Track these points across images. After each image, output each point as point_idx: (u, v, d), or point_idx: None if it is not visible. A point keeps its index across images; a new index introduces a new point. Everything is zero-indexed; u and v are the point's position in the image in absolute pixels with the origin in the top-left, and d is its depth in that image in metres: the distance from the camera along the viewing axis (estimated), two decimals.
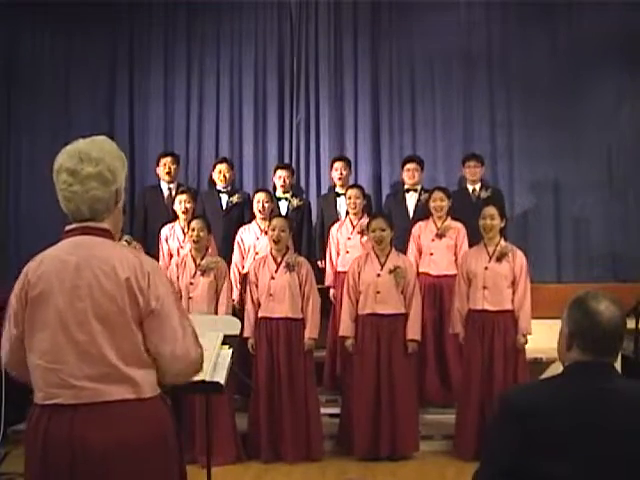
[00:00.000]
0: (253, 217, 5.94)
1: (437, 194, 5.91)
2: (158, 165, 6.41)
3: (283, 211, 6.23)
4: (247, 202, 6.21)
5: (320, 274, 5.99)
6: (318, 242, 6.30)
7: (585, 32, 7.09)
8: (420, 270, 5.70)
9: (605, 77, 6.96)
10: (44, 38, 7.45)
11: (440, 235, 5.84)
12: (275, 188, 6.39)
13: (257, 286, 5.19)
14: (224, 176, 6.32)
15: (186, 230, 5.56)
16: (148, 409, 2.08)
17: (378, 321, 5.09)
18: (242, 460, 5.05)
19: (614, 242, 6.99)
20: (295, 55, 7.37)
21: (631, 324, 4.97)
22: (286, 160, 7.18)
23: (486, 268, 5.05)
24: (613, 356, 1.99)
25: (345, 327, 5.15)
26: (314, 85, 7.35)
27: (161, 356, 2.09)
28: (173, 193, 6.28)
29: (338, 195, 6.36)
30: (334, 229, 6.04)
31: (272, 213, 5.84)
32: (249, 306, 5.20)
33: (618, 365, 2.19)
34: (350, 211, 6.01)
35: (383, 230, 5.15)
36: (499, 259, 5.07)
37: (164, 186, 6.40)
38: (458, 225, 5.88)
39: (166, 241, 5.85)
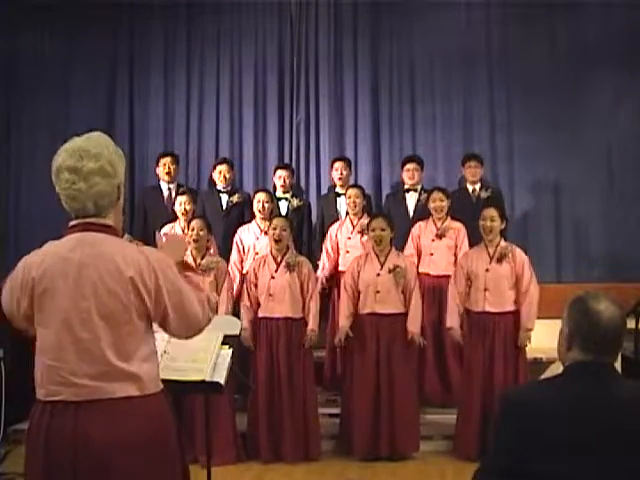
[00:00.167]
0: (253, 217, 5.94)
1: (436, 194, 5.90)
2: (158, 165, 6.41)
3: (283, 211, 6.23)
4: (247, 202, 6.21)
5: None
6: (319, 242, 6.29)
7: (585, 32, 7.09)
8: (420, 270, 5.69)
9: (605, 77, 6.96)
10: (44, 38, 7.45)
11: (440, 235, 5.84)
12: (275, 188, 6.39)
13: (256, 286, 5.18)
14: (224, 177, 6.32)
15: (186, 230, 5.56)
16: (151, 405, 2.09)
17: (378, 321, 5.09)
18: (242, 460, 5.05)
19: (614, 242, 6.99)
20: (295, 55, 7.37)
21: (631, 324, 4.98)
22: (286, 160, 7.18)
23: (487, 270, 5.05)
24: (613, 356, 1.99)
25: (342, 318, 5.13)
26: (314, 85, 7.35)
27: (183, 334, 2.23)
28: (173, 193, 6.29)
29: (338, 195, 6.36)
30: (333, 229, 6.04)
31: (272, 213, 5.85)
32: (246, 303, 5.19)
33: (618, 365, 2.20)
34: (350, 211, 6.01)
35: (383, 230, 5.15)
36: (499, 260, 5.07)
37: (164, 186, 6.40)
38: (458, 225, 5.88)
39: (160, 237, 5.83)
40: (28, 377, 2.25)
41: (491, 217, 5.09)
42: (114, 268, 2.05)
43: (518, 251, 5.14)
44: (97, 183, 2.09)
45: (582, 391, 1.93)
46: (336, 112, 7.31)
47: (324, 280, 5.90)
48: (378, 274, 5.13)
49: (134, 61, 7.47)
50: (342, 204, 6.25)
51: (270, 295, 5.12)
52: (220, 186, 6.37)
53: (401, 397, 5.04)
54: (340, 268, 5.89)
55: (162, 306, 2.10)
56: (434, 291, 5.78)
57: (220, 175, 6.32)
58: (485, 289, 5.03)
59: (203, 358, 3.30)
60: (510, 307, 5.05)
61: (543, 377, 2.20)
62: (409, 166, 6.32)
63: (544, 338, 4.92)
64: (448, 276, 5.67)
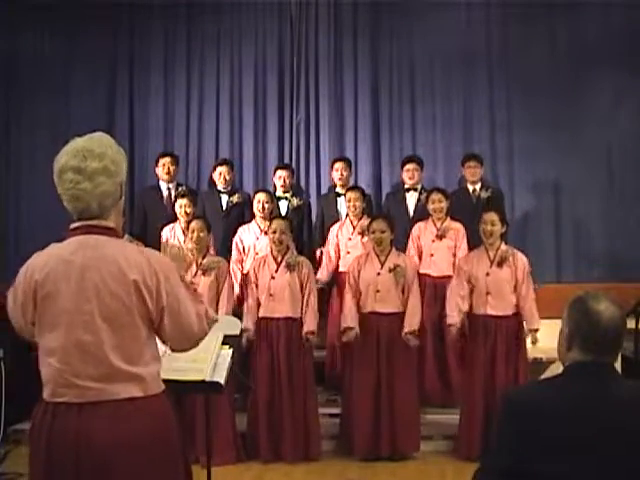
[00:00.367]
0: (253, 217, 5.94)
1: (435, 195, 5.89)
2: (157, 165, 6.41)
3: (283, 211, 6.23)
4: (247, 202, 6.21)
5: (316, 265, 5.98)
6: (318, 242, 6.29)
7: (585, 32, 7.09)
8: (421, 271, 5.67)
9: (605, 77, 6.96)
10: (44, 38, 7.45)
11: (440, 236, 5.84)
12: (275, 188, 6.39)
13: (257, 286, 5.19)
14: (224, 178, 6.31)
15: (186, 232, 5.56)
16: (154, 405, 2.09)
17: (378, 320, 5.09)
18: (242, 460, 5.05)
19: (614, 242, 6.99)
20: (295, 55, 7.37)
21: (631, 324, 4.99)
22: (286, 160, 7.18)
23: (488, 274, 5.04)
24: (613, 356, 1.99)
25: (350, 319, 5.09)
26: (314, 85, 7.35)
27: (177, 345, 2.22)
28: (172, 193, 6.29)
29: (339, 195, 6.35)
30: (334, 229, 6.04)
31: (272, 213, 5.84)
32: (250, 302, 5.17)
33: (618, 365, 2.20)
34: (350, 213, 6.00)
35: (383, 232, 5.15)
36: (500, 264, 5.06)
37: (163, 186, 6.39)
38: (457, 225, 5.87)
39: (166, 242, 5.84)
40: (28, 377, 2.26)
41: (492, 221, 5.08)
42: (117, 270, 2.05)
43: (519, 255, 5.13)
44: (102, 183, 2.09)
45: (582, 391, 1.93)
46: (336, 112, 7.31)
47: (323, 281, 5.90)
48: (378, 273, 5.13)
49: (134, 61, 7.47)
50: (342, 204, 6.25)
51: (270, 295, 5.12)
52: (220, 187, 6.36)
53: (401, 396, 5.04)
54: (340, 269, 5.89)
55: (160, 306, 2.10)
56: (435, 291, 5.77)
57: (220, 176, 6.32)
58: (487, 293, 5.02)
59: (203, 358, 3.30)
60: (512, 310, 5.04)
61: (543, 377, 2.20)
62: (409, 166, 6.32)
63: (544, 338, 4.93)
64: (449, 277, 5.68)
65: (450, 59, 7.22)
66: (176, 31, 7.46)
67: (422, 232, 5.93)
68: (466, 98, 7.23)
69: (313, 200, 6.88)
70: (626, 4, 6.94)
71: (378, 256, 5.19)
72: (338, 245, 5.99)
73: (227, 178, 6.32)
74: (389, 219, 5.31)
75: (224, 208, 6.31)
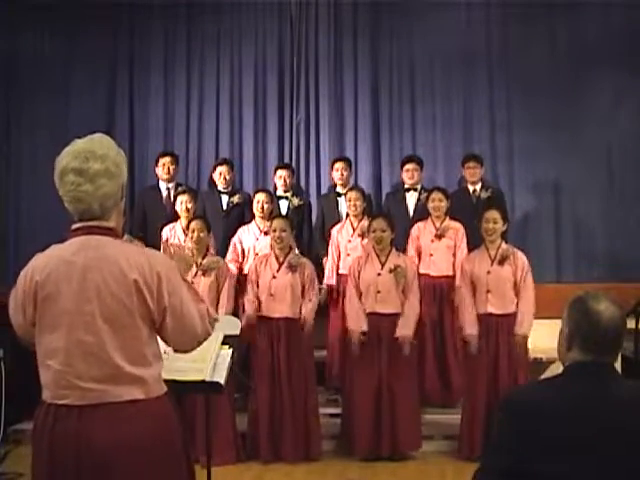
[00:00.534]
0: (253, 217, 5.94)
1: (435, 194, 5.90)
2: (157, 165, 6.41)
3: (284, 210, 6.22)
4: (247, 202, 6.20)
5: (323, 273, 5.98)
6: (319, 242, 6.28)
7: (585, 32, 7.09)
8: (420, 271, 5.67)
9: (605, 77, 6.96)
10: (44, 38, 7.45)
11: (439, 236, 5.84)
12: (275, 188, 6.39)
13: (258, 284, 5.19)
14: (224, 178, 6.31)
15: (186, 230, 5.56)
16: (156, 407, 2.09)
17: (378, 320, 5.09)
18: (242, 460, 5.04)
19: (614, 242, 6.99)
20: (295, 55, 7.38)
21: (631, 324, 4.99)
22: (286, 160, 7.18)
23: (489, 272, 5.04)
24: (613, 356, 1.99)
25: (357, 320, 5.08)
26: (314, 85, 7.35)
27: (179, 345, 2.21)
28: (172, 193, 6.29)
29: (339, 195, 6.35)
30: (334, 231, 6.04)
31: (272, 213, 5.84)
32: (250, 296, 5.16)
33: (618, 365, 2.20)
34: (350, 213, 6.00)
35: (383, 231, 5.14)
36: (501, 262, 5.06)
37: (163, 186, 6.39)
38: (457, 225, 5.87)
39: (167, 241, 5.84)
40: (28, 377, 2.25)
41: (493, 219, 5.08)
42: (118, 271, 2.05)
43: (519, 254, 5.12)
44: (104, 184, 2.08)
45: (582, 391, 1.93)
46: (336, 112, 7.31)
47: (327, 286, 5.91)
48: (379, 274, 5.12)
49: (134, 61, 7.47)
50: (343, 204, 6.24)
51: (271, 295, 5.11)
52: (220, 187, 6.36)
53: (402, 397, 5.03)
54: (341, 271, 5.88)
55: (162, 307, 2.09)
56: (434, 291, 5.78)
57: (220, 176, 6.31)
58: (488, 291, 5.02)
59: (203, 358, 3.30)
60: (513, 308, 5.03)
61: (543, 377, 2.20)
62: (408, 166, 6.32)
63: (544, 338, 4.93)
64: (448, 276, 5.68)
65: (450, 59, 7.22)
66: (176, 31, 7.46)
67: (421, 232, 5.92)
68: (466, 98, 7.23)
69: (313, 200, 6.87)
70: (626, 4, 6.95)
71: (378, 256, 5.19)
72: (338, 247, 5.99)
73: (227, 178, 6.32)
74: (389, 218, 5.31)
75: (224, 208, 6.31)
